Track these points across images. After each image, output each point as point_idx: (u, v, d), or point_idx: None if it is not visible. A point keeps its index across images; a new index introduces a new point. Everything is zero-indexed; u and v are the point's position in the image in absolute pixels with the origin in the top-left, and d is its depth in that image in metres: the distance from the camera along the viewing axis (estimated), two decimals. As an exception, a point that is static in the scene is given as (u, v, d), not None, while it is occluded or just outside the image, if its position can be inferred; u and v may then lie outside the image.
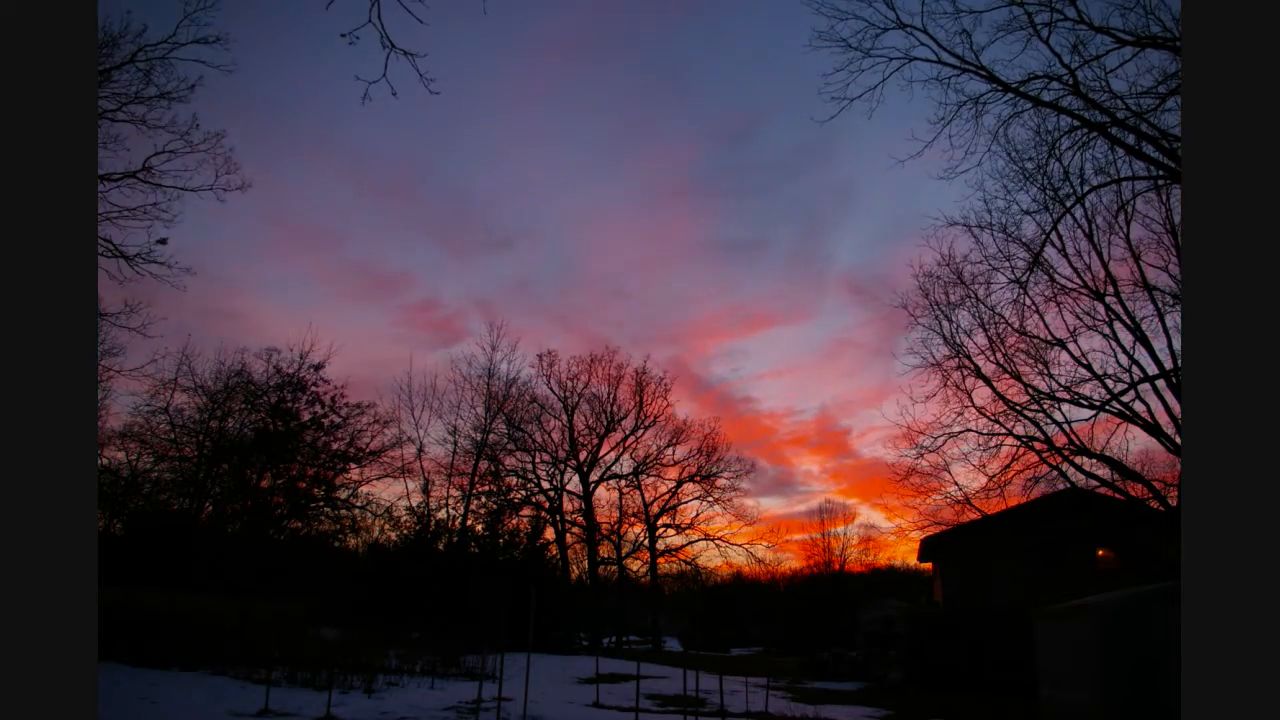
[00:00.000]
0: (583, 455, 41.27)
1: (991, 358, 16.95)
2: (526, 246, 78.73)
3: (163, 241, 13.34)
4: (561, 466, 40.78)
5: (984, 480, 17.32)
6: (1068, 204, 14.70)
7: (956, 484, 17.65)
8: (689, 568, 43.68)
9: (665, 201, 75.88)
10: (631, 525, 42.33)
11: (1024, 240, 15.99)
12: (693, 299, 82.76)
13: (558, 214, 79.53)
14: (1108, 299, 15.77)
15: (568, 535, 40.22)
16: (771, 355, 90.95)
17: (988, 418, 17.04)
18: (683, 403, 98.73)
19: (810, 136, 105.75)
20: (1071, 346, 16.25)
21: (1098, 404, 15.98)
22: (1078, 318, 16.33)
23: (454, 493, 32.30)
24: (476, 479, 32.99)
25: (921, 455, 17.54)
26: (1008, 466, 16.73)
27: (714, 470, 41.63)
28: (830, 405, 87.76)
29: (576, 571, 40.66)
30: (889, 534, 71.96)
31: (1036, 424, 16.68)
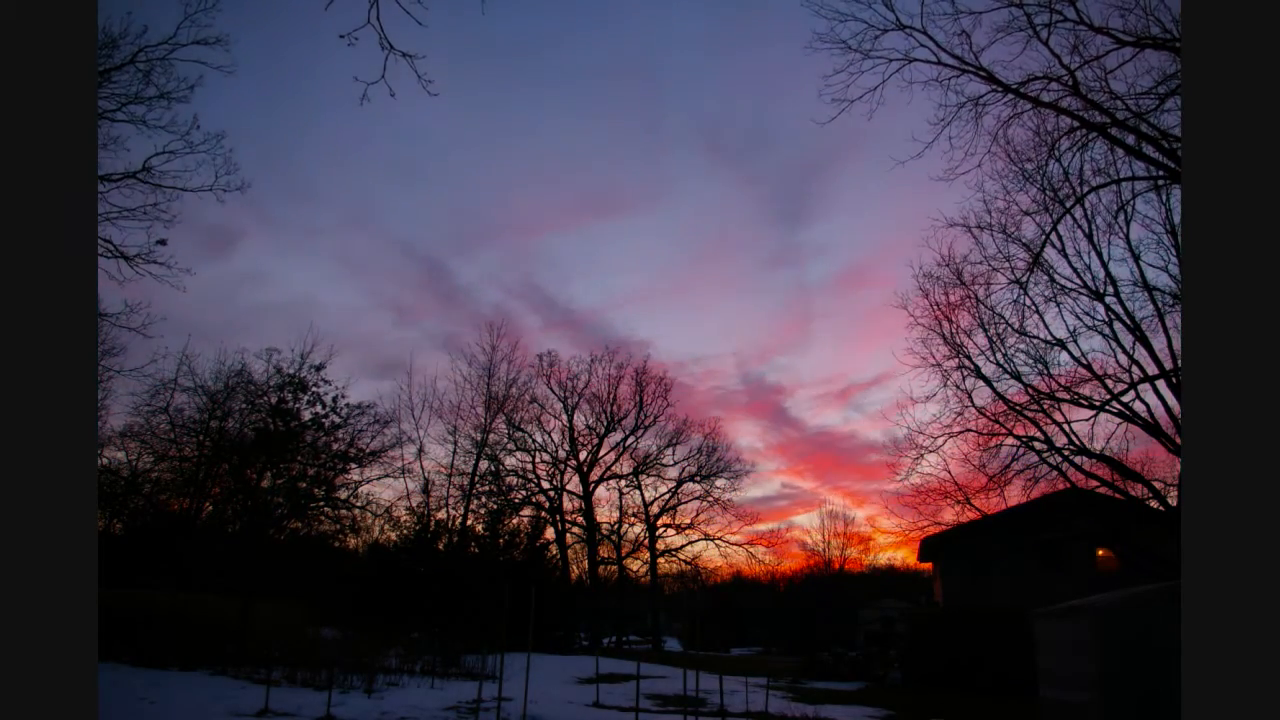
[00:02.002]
0: (583, 455, 41.31)
1: (991, 358, 16.96)
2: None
3: (163, 242, 13.31)
4: (561, 466, 40.81)
5: (984, 480, 17.28)
6: (1067, 204, 14.70)
7: (956, 484, 17.61)
8: (689, 568, 43.71)
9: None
10: (631, 525, 42.38)
11: (1024, 241, 16.00)
12: (487, 178, 62.19)
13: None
14: (1108, 299, 15.78)
15: (568, 535, 40.23)
16: (632, 263, 71.28)
17: (988, 418, 17.04)
18: (557, 346, 75.60)
19: None
20: (1071, 346, 16.26)
21: (1098, 404, 15.98)
22: (1078, 318, 16.35)
23: (454, 493, 32.32)
24: (476, 479, 33.01)
25: (921, 455, 17.52)
26: (1008, 466, 16.72)
27: (714, 470, 41.70)
28: (747, 353, 75.19)
29: (576, 571, 40.70)
30: (861, 524, 68.42)
31: (1036, 424, 16.67)
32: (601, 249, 68.37)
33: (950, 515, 17.86)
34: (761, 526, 79.91)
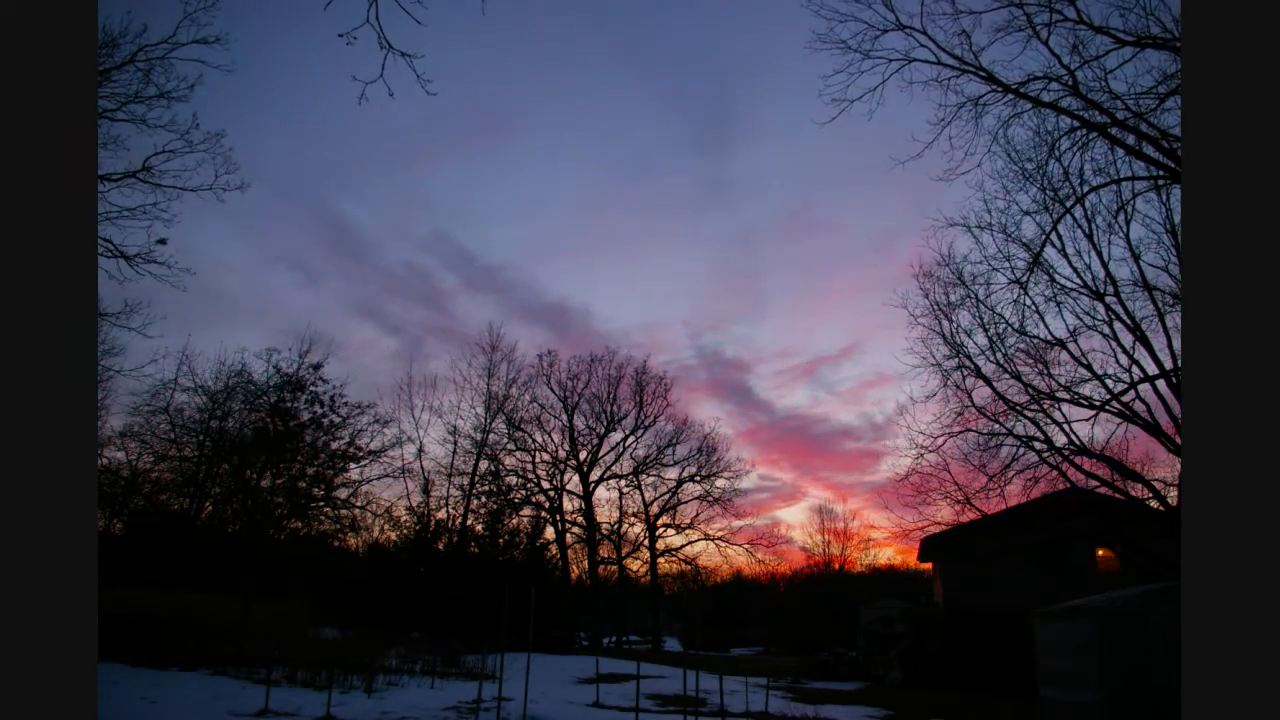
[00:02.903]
0: (583, 455, 41.32)
1: (991, 358, 16.93)
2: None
3: (163, 241, 13.30)
4: (561, 466, 40.82)
5: (984, 480, 17.26)
6: (1067, 204, 14.69)
7: (956, 484, 17.59)
8: (689, 568, 43.71)
9: None
10: (631, 525, 42.38)
11: (1024, 240, 15.98)
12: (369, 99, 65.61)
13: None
14: (1108, 299, 15.75)
15: (568, 535, 40.24)
16: (547, 197, 67.01)
17: (988, 418, 17.01)
18: (482, 310, 69.55)
19: None
20: (1071, 346, 16.23)
21: (1098, 404, 15.96)
22: (1078, 318, 16.32)
23: (454, 493, 32.34)
24: (476, 479, 33.02)
25: (921, 455, 17.50)
26: (1008, 466, 16.70)
27: (714, 470, 41.70)
28: (699, 323, 71.79)
29: (576, 571, 40.68)
30: (850, 519, 66.98)
31: (1036, 424, 16.65)
32: (508, 180, 63.99)
33: (950, 515, 17.84)
34: (747, 522, 78.51)
